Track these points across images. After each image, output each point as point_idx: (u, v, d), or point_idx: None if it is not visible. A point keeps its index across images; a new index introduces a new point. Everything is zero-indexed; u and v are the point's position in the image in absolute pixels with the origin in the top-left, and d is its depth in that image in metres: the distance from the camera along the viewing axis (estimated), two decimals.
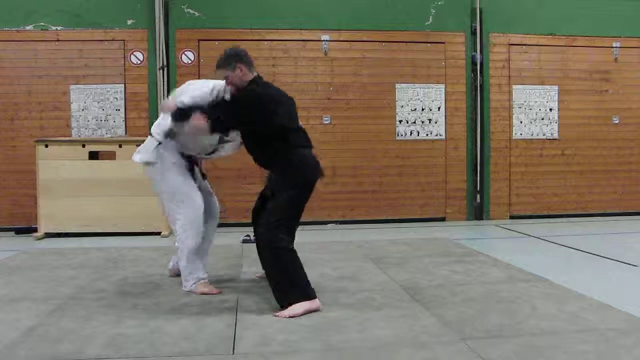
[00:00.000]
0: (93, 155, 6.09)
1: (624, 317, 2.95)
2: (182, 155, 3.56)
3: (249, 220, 3.64)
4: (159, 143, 3.51)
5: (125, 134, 6.68)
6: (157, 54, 6.69)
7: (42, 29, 6.63)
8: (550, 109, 7.38)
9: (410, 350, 2.51)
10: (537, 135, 7.37)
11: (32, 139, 6.21)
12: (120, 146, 6.06)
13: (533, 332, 2.73)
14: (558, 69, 7.35)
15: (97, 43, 6.69)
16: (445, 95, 7.19)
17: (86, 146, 6.06)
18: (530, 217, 7.26)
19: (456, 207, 7.24)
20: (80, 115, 6.73)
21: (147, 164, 3.56)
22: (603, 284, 3.82)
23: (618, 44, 7.41)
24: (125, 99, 6.75)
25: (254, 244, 3.56)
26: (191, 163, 3.64)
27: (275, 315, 3.02)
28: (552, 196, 7.39)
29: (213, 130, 3.27)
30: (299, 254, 3.22)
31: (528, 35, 7.29)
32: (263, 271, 3.73)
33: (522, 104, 7.33)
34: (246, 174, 6.49)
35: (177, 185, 3.50)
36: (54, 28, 6.65)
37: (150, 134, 3.61)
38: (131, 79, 6.74)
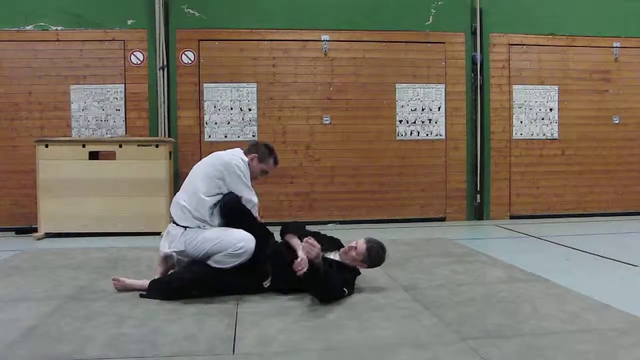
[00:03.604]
0: (93, 155, 6.09)
1: (624, 317, 2.95)
2: None
3: None
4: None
5: (125, 134, 6.67)
6: (157, 54, 6.69)
7: (42, 29, 6.63)
8: (550, 109, 7.38)
9: (410, 350, 2.51)
10: (537, 135, 7.37)
11: (32, 139, 6.20)
12: (120, 146, 6.06)
13: (533, 332, 2.73)
14: (558, 69, 7.35)
15: (97, 43, 6.69)
16: (445, 95, 7.19)
17: (86, 146, 6.06)
18: (530, 217, 7.25)
19: (456, 207, 7.24)
20: (80, 115, 6.73)
21: None
22: (603, 284, 3.82)
23: (618, 44, 7.41)
24: (125, 99, 6.74)
25: None
26: None
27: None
28: (552, 196, 7.39)
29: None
30: None
31: (528, 35, 7.29)
32: None
33: (522, 104, 7.33)
34: None
35: None
36: (54, 28, 6.65)
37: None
38: (131, 79, 6.74)
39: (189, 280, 3.39)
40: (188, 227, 3.50)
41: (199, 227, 3.49)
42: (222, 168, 3.57)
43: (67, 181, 5.96)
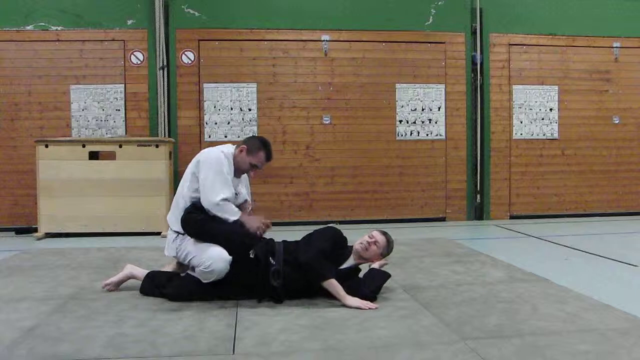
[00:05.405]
0: (93, 155, 6.09)
1: (624, 317, 2.95)
2: None
3: None
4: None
5: (125, 134, 6.67)
6: (157, 54, 6.69)
7: (42, 29, 6.63)
8: (550, 109, 7.38)
9: (410, 350, 2.51)
10: (537, 135, 7.37)
11: (32, 139, 6.21)
12: (120, 146, 6.06)
13: (533, 332, 2.73)
14: (558, 69, 7.35)
15: (97, 43, 6.69)
16: (445, 95, 7.19)
17: (86, 146, 6.06)
18: (530, 217, 7.26)
19: (456, 207, 7.24)
20: (80, 115, 6.73)
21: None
22: (603, 284, 3.82)
23: (618, 44, 7.41)
24: (125, 99, 6.74)
25: None
26: None
27: None
28: (552, 196, 7.39)
29: None
30: None
31: (528, 35, 7.29)
32: None
33: (522, 104, 7.34)
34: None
35: None
36: (54, 28, 6.65)
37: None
38: (131, 79, 6.74)
39: (170, 296, 3.35)
40: (179, 232, 3.44)
41: (179, 233, 3.43)
42: (198, 161, 3.48)
43: (67, 181, 5.96)
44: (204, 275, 3.25)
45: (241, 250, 3.26)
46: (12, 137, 6.64)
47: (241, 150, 3.55)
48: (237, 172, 3.59)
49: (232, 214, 3.39)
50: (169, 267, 3.72)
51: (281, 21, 6.93)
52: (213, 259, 3.21)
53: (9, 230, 6.43)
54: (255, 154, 3.56)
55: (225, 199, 3.37)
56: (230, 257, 3.22)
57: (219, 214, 3.36)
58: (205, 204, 3.37)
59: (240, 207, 3.59)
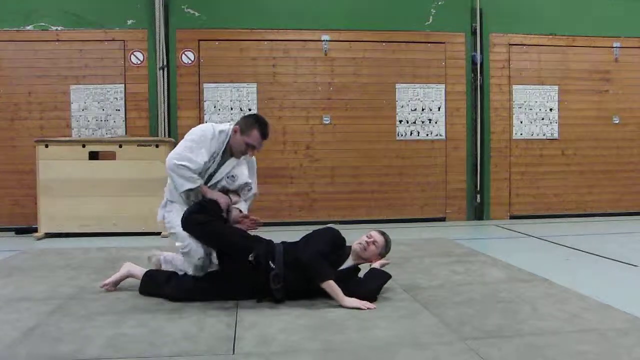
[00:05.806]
0: (93, 155, 6.09)
1: (624, 317, 2.95)
2: None
3: None
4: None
5: (125, 134, 6.68)
6: (157, 54, 6.69)
7: (42, 29, 6.64)
8: (550, 109, 7.39)
9: (410, 350, 2.51)
10: (537, 135, 7.37)
11: (32, 139, 6.21)
12: (120, 146, 6.06)
13: (533, 332, 2.73)
14: (558, 69, 7.35)
15: (97, 43, 6.69)
16: (445, 95, 7.19)
17: (86, 146, 6.06)
18: (530, 217, 7.26)
19: (456, 207, 7.24)
20: (80, 115, 6.73)
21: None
22: (603, 284, 3.81)
23: (618, 44, 7.41)
24: (125, 99, 6.75)
25: None
26: None
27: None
28: (552, 196, 7.40)
29: None
30: None
31: (528, 35, 7.29)
32: None
33: (522, 104, 7.34)
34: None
35: None
36: (54, 28, 6.65)
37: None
38: (131, 79, 6.75)
39: (169, 296, 3.35)
40: (168, 199, 3.51)
41: (172, 201, 3.48)
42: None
43: (67, 181, 5.96)
44: (184, 257, 3.31)
45: (244, 253, 3.24)
46: (12, 137, 6.64)
47: (235, 131, 3.43)
48: (237, 153, 3.50)
49: (187, 181, 3.31)
50: (154, 265, 3.69)
51: (281, 21, 6.94)
52: (191, 241, 3.24)
53: (9, 230, 6.44)
54: (249, 133, 3.41)
55: (183, 165, 3.29)
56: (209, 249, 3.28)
57: (174, 176, 3.33)
58: (166, 163, 3.36)
59: (238, 190, 3.57)
